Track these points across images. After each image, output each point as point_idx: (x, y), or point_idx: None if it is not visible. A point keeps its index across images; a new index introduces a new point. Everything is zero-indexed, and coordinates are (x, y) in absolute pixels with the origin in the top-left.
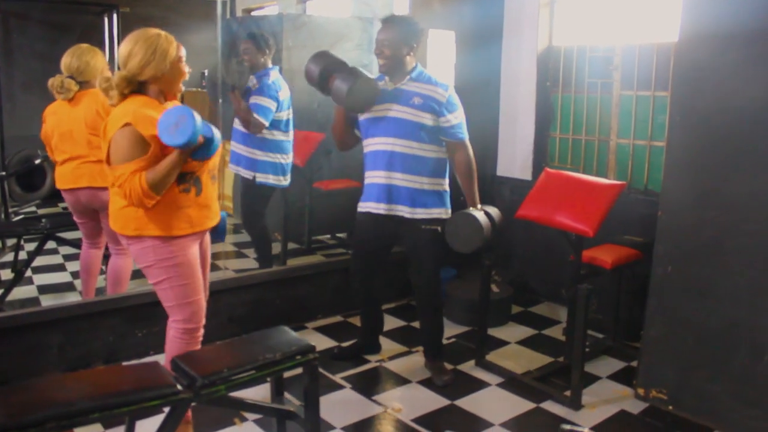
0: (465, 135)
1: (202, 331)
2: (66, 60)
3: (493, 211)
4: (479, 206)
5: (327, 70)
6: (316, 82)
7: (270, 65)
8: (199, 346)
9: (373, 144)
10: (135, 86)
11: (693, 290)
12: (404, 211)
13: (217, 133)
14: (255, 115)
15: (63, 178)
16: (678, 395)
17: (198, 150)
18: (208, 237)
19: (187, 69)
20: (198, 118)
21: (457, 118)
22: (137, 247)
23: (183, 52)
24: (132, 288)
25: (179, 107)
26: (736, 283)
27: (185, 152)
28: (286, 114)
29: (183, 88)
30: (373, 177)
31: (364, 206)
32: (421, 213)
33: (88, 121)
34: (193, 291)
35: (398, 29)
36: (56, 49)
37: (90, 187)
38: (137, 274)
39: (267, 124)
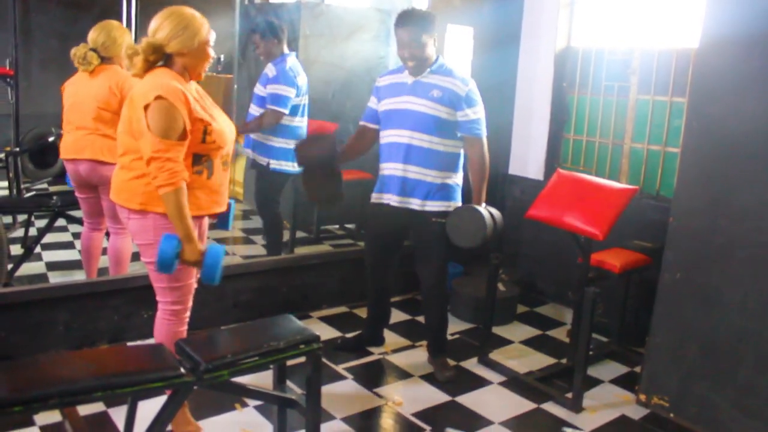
0: (482, 132)
1: (188, 313)
2: (93, 34)
3: (497, 213)
4: (484, 205)
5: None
6: None
7: (286, 51)
8: (185, 327)
9: (389, 135)
10: (160, 56)
11: (701, 298)
12: (415, 203)
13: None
14: (271, 107)
15: (66, 147)
16: (680, 403)
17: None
18: (206, 222)
19: (212, 54)
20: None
21: (476, 113)
22: (139, 223)
23: (212, 37)
24: (136, 270)
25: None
26: (745, 293)
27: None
28: (303, 100)
29: (204, 74)
30: (388, 168)
31: (377, 197)
32: (431, 206)
33: (100, 96)
34: (185, 275)
35: (417, 24)
36: (74, 29)
37: (91, 159)
38: (139, 257)
39: (286, 112)
